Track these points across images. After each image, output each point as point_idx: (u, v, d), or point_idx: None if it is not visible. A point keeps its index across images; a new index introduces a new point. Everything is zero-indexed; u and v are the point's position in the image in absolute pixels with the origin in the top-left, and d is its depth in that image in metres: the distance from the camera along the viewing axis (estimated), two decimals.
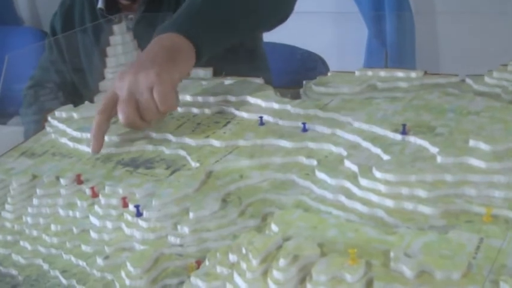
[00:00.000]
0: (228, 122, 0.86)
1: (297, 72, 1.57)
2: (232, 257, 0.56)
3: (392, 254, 0.52)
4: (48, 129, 0.96)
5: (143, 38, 1.10)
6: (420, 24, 2.04)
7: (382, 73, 0.95)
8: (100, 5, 1.29)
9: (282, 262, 0.51)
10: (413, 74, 0.93)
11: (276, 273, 0.51)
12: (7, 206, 0.79)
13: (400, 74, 0.93)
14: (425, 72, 0.94)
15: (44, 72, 1.37)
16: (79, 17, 1.35)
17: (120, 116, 0.81)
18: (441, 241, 0.54)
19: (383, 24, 2.00)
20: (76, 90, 1.33)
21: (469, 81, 0.90)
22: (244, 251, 0.55)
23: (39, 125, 1.06)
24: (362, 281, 0.50)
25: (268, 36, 1.38)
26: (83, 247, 0.68)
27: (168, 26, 0.89)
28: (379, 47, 2.04)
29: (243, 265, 0.53)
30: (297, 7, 1.13)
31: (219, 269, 0.56)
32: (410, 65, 1.97)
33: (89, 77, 1.30)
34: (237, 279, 0.53)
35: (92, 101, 1.02)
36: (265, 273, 0.52)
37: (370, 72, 0.96)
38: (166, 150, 0.83)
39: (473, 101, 0.81)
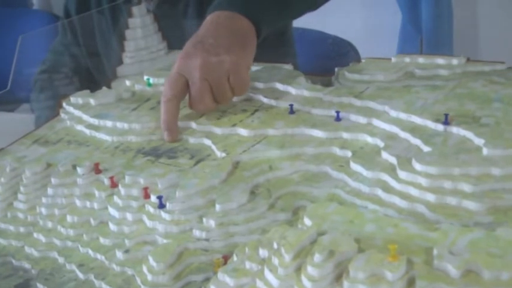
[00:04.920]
0: (256, 110, 0.86)
1: (327, 59, 1.57)
2: (263, 252, 0.56)
3: (435, 252, 0.51)
4: (63, 115, 0.97)
5: (165, 20, 1.11)
6: (459, 7, 2.02)
7: (421, 60, 0.94)
8: None
9: (317, 257, 0.51)
10: (454, 61, 0.92)
11: (310, 269, 0.51)
12: (20, 196, 0.79)
13: (440, 60, 0.93)
14: (468, 59, 0.93)
15: (57, 57, 1.38)
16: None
17: (198, 106, 0.85)
18: (489, 238, 0.53)
19: (418, 8, 1.98)
20: (92, 76, 1.34)
21: None
22: (275, 245, 0.55)
23: (52, 111, 1.07)
24: (403, 279, 0.50)
25: (296, 21, 1.38)
26: (102, 240, 0.69)
27: (227, 2, 0.91)
28: (413, 33, 2.02)
29: (275, 260, 0.54)
30: None
31: (248, 264, 0.56)
32: (447, 53, 1.96)
33: (106, 61, 1.30)
34: (268, 275, 0.53)
35: (109, 87, 1.02)
36: (298, 269, 0.52)
37: (407, 59, 0.95)
38: (190, 139, 0.83)
39: None
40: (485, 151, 0.67)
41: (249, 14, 0.89)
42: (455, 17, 2.01)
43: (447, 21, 1.98)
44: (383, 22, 2.16)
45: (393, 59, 0.96)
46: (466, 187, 0.63)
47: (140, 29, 1.07)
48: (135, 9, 1.07)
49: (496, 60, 0.92)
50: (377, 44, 1.95)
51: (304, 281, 0.51)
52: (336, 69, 0.97)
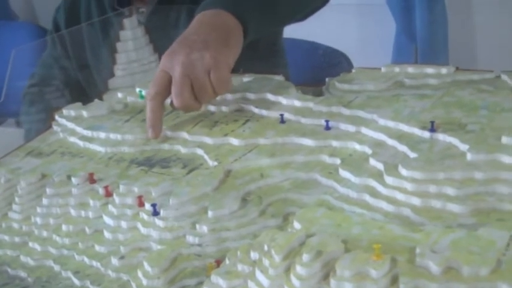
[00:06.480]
0: (247, 120, 0.91)
1: (319, 69, 1.62)
2: (254, 255, 0.61)
3: (418, 250, 0.56)
4: (55, 128, 1.02)
5: (156, 32, 1.16)
6: (454, 16, 2.07)
7: (410, 69, 0.99)
8: None
9: (305, 257, 0.56)
10: (443, 70, 0.97)
11: (299, 269, 0.56)
12: (15, 206, 0.85)
13: (429, 70, 0.98)
14: (457, 68, 0.98)
15: (47, 70, 1.43)
16: (85, 11, 1.40)
17: (176, 100, 0.88)
18: (470, 238, 0.58)
19: (412, 17, 2.04)
20: (83, 89, 1.38)
21: (504, 77, 0.93)
22: (266, 248, 0.60)
23: (42, 124, 1.12)
24: (387, 276, 0.55)
25: (287, 32, 1.43)
26: (97, 247, 0.74)
27: (213, 1, 0.95)
28: (408, 42, 2.08)
29: (265, 262, 0.58)
30: None
31: (240, 267, 0.61)
32: (443, 62, 2.01)
33: (97, 74, 1.35)
34: (259, 276, 0.58)
35: (101, 99, 1.07)
36: (288, 270, 0.57)
37: (397, 69, 1.00)
38: (183, 149, 0.88)
39: (508, 97, 0.85)
40: (469, 156, 0.72)
41: (235, 11, 0.93)
42: (450, 26, 2.07)
43: (442, 29, 2.04)
44: (377, 32, 2.22)
45: (383, 69, 1.01)
46: (450, 191, 0.68)
47: (131, 42, 1.13)
48: (126, 22, 1.12)
49: (492, 68, 0.96)
50: (371, 54, 2.00)
51: (293, 280, 0.56)
52: (327, 79, 1.02)
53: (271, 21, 1.04)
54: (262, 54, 1.28)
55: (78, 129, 0.98)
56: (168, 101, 0.91)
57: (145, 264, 0.67)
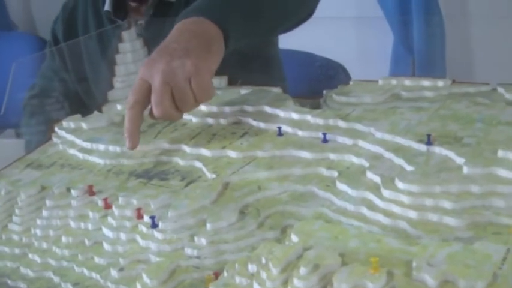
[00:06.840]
0: (245, 133, 0.92)
1: (316, 81, 1.63)
2: (252, 267, 0.61)
3: (414, 264, 0.57)
4: (55, 140, 1.03)
5: (152, 43, 1.17)
6: (451, 29, 2.09)
7: (407, 82, 1.00)
8: (107, 7, 1.35)
9: (302, 270, 0.57)
10: (440, 83, 0.98)
11: (296, 282, 0.56)
12: (15, 218, 0.85)
13: (426, 82, 0.99)
14: (454, 81, 0.98)
15: (47, 82, 1.43)
16: (82, 21, 1.41)
17: (156, 109, 0.85)
18: (466, 251, 0.59)
19: (410, 29, 2.05)
20: (82, 101, 1.39)
21: (500, 90, 0.94)
22: (264, 260, 0.60)
23: (42, 136, 1.13)
24: None
25: (285, 43, 1.44)
26: (96, 259, 0.74)
27: (194, 10, 0.94)
28: (405, 54, 2.09)
29: (263, 274, 0.59)
30: (316, 11, 1.19)
31: (238, 279, 0.61)
32: (440, 74, 2.02)
33: (95, 86, 1.36)
34: None
35: (100, 111, 1.08)
36: (285, 283, 0.58)
37: (394, 81, 1.01)
38: (181, 162, 0.88)
39: (504, 110, 0.86)
40: (465, 170, 0.72)
41: (215, 18, 0.92)
42: (448, 38, 2.08)
43: (439, 42, 2.05)
44: (375, 43, 2.23)
45: (380, 82, 1.02)
46: (447, 204, 0.68)
47: (130, 54, 1.14)
48: (125, 34, 1.13)
49: (488, 81, 0.97)
50: (369, 66, 2.02)
51: None
52: (324, 91, 1.03)
53: (253, 31, 1.03)
54: (260, 67, 1.28)
55: (78, 141, 0.98)
56: (146, 112, 0.89)
57: (144, 276, 0.67)
